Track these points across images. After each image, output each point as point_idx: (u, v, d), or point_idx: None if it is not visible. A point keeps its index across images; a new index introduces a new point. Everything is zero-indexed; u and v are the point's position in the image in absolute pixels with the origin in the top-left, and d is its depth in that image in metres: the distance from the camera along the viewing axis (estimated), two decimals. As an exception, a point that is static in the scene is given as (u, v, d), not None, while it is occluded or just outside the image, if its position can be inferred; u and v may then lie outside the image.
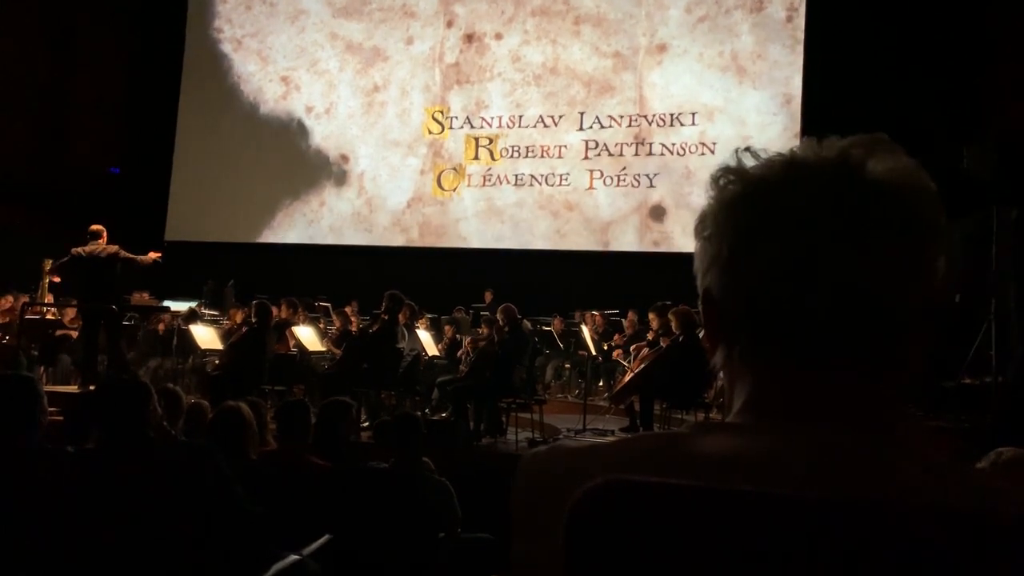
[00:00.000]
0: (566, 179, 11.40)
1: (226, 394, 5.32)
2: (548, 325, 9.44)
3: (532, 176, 11.56)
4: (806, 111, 10.41)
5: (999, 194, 6.08)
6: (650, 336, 7.01)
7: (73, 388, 7.39)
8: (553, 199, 11.47)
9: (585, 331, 8.16)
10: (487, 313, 8.86)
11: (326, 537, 3.37)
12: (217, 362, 7.84)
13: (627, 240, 11.11)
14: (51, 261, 8.53)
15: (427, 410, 7.37)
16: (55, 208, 11.42)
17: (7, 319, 8.67)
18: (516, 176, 11.63)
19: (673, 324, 6.68)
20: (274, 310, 8.32)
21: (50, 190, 11.76)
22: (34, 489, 2.53)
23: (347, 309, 9.17)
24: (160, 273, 7.84)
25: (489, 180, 11.75)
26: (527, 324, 7.80)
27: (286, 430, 3.83)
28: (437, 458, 4.09)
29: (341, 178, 12.39)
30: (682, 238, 10.78)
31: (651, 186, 11.05)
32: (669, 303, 6.93)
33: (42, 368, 8.19)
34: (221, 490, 2.63)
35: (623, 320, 9.07)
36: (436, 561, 3.50)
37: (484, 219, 11.73)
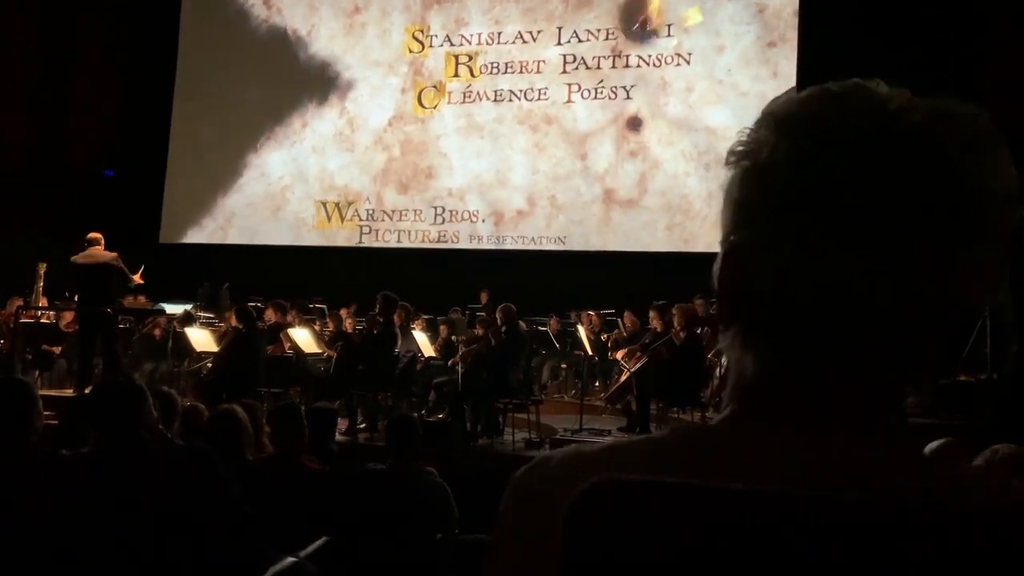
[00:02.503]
0: (544, 93, 11.55)
1: (220, 398, 5.32)
2: (544, 325, 9.43)
3: (511, 91, 11.70)
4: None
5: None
6: (658, 330, 6.93)
7: (68, 391, 7.37)
8: (532, 114, 11.61)
9: (581, 331, 8.16)
10: (483, 314, 8.85)
11: (323, 539, 3.37)
12: (210, 366, 7.83)
13: (604, 151, 11.23)
14: (45, 264, 8.51)
15: (424, 411, 7.36)
16: (50, 211, 11.39)
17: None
18: (495, 92, 11.77)
19: (675, 320, 6.67)
20: (266, 312, 8.31)
21: (45, 192, 11.73)
22: (30, 493, 2.53)
23: (344, 311, 9.15)
24: (155, 276, 7.83)
25: (469, 97, 11.92)
26: (523, 324, 7.79)
27: (280, 433, 3.83)
28: (434, 459, 4.09)
29: (323, 99, 12.53)
30: (658, 147, 10.95)
31: (628, 98, 11.18)
32: (664, 302, 6.93)
33: (37, 372, 8.17)
34: (217, 492, 2.63)
35: (619, 320, 9.08)
36: (434, 562, 3.50)
37: (464, 135, 11.87)
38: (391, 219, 12.10)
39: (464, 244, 11.72)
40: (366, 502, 3.57)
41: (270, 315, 8.25)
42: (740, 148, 0.58)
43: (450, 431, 6.44)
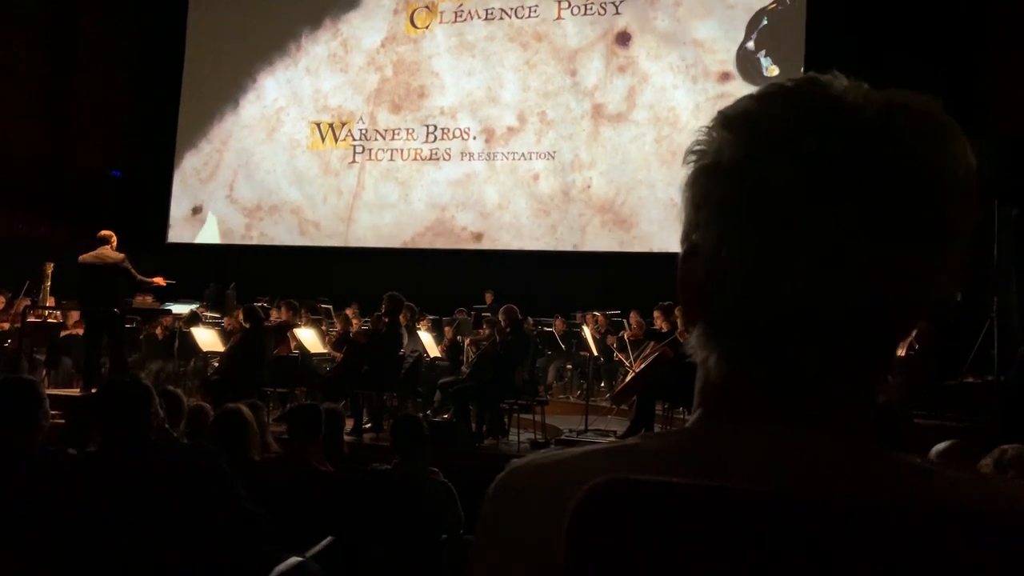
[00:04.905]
0: (535, 11, 11.75)
1: (226, 397, 5.32)
2: (549, 326, 9.43)
3: (502, 10, 11.91)
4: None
5: (1000, 192, 6.07)
6: (664, 330, 6.92)
7: (75, 391, 7.39)
8: (523, 31, 11.80)
9: (587, 332, 8.15)
10: (488, 314, 8.85)
11: (328, 539, 3.37)
12: (216, 365, 7.84)
13: (594, 67, 11.40)
14: (53, 264, 8.53)
15: (429, 411, 7.37)
16: (57, 211, 11.44)
17: (3, 319, 8.67)
18: (486, 11, 11.97)
19: (680, 320, 6.64)
20: (273, 312, 8.32)
21: (52, 193, 11.78)
22: (36, 492, 2.53)
23: (348, 311, 9.16)
24: (162, 276, 7.84)
25: (460, 16, 12.11)
26: (529, 323, 7.79)
27: (297, 432, 3.84)
28: (439, 460, 4.09)
29: (317, 22, 12.69)
30: (646, 62, 11.15)
31: (617, 13, 11.37)
32: (669, 303, 6.91)
33: (44, 371, 8.19)
34: (223, 492, 2.63)
35: (625, 321, 9.07)
36: (438, 563, 3.50)
37: (456, 54, 12.08)
38: (384, 138, 12.30)
39: (455, 161, 11.90)
40: (371, 502, 3.57)
41: (276, 315, 8.26)
42: (696, 148, 0.57)
43: (455, 432, 6.44)
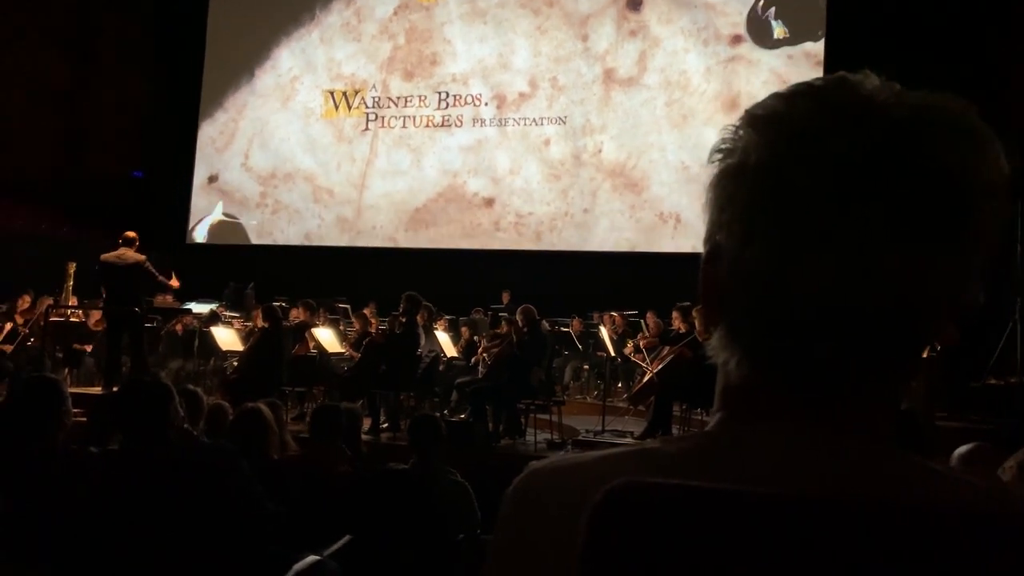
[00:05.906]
0: None
1: (245, 397, 5.36)
2: (566, 326, 9.41)
3: None
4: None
5: (1023, 190, 5.99)
6: (682, 331, 6.89)
7: (96, 389, 7.47)
8: None
9: (604, 332, 8.12)
10: (505, 314, 8.85)
11: (346, 538, 3.39)
12: (235, 364, 7.90)
13: (605, 32, 11.45)
14: (75, 264, 8.64)
15: (446, 411, 7.38)
16: (79, 212, 11.57)
17: (27, 319, 8.78)
18: None
19: (698, 321, 6.62)
20: (292, 312, 8.37)
21: (73, 194, 11.92)
22: (58, 489, 2.56)
23: (366, 311, 9.19)
24: (181, 276, 7.90)
25: None
26: (546, 325, 7.78)
27: (319, 433, 3.86)
28: (455, 459, 4.10)
29: None
30: (657, 26, 11.17)
31: None
32: (688, 303, 6.88)
33: (66, 370, 8.29)
34: (242, 491, 2.65)
35: (642, 321, 9.03)
36: (455, 562, 3.50)
37: (468, 21, 12.15)
38: (396, 106, 12.40)
39: (467, 128, 11.96)
40: (388, 501, 3.58)
41: (296, 314, 8.30)
42: (722, 147, 0.57)
43: (472, 432, 6.44)
